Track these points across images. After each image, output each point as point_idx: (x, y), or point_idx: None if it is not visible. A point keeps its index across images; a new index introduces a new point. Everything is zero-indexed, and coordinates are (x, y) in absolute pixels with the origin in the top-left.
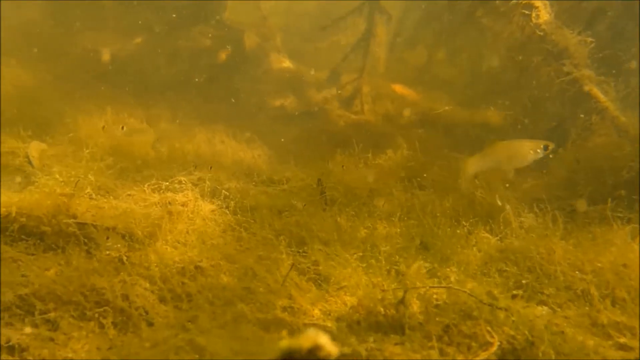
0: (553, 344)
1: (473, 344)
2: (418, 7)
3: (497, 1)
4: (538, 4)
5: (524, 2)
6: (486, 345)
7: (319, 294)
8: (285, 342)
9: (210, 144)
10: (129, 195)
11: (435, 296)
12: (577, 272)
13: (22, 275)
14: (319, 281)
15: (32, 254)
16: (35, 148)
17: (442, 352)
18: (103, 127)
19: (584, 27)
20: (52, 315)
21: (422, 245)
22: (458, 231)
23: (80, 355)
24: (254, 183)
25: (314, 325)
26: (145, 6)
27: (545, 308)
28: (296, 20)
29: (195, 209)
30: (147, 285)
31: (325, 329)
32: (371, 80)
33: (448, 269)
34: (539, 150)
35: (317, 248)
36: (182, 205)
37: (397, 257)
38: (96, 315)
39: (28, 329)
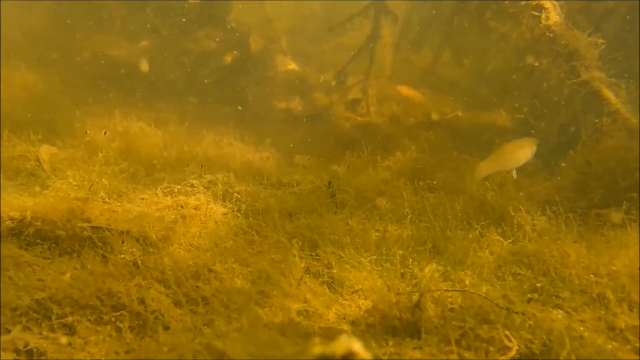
0: (571, 348)
1: (491, 348)
2: (423, 8)
3: (506, 2)
4: (548, 5)
5: (533, 3)
6: (504, 349)
7: (333, 297)
8: (319, 348)
9: (219, 146)
10: (142, 198)
11: (450, 300)
12: (591, 275)
13: (39, 280)
14: (332, 284)
15: (48, 258)
16: (45, 152)
17: (460, 357)
18: (105, 133)
19: (595, 29)
20: (69, 319)
21: (434, 248)
22: (470, 234)
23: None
24: (263, 186)
25: (330, 328)
26: (150, 9)
27: (561, 312)
28: (301, 22)
29: (208, 212)
30: (162, 288)
31: (340, 333)
32: (377, 82)
33: (462, 273)
34: (534, 148)
35: (329, 251)
36: (195, 209)
37: (410, 260)
38: (113, 319)
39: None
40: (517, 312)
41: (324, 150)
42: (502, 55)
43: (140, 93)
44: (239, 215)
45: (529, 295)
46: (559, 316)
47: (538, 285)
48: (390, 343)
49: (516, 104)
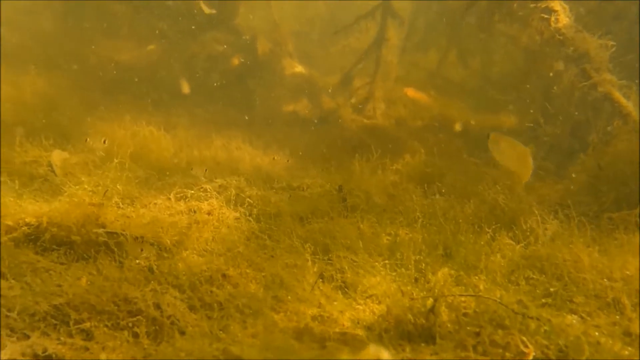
0: (588, 354)
1: (507, 354)
2: (429, 10)
3: (515, 5)
4: (557, 7)
5: (542, 5)
6: (520, 355)
7: (347, 302)
8: (348, 357)
9: (227, 150)
10: (155, 203)
11: (463, 304)
12: (605, 279)
13: (57, 285)
14: (346, 289)
15: (64, 264)
16: (57, 157)
17: None
18: (104, 141)
19: (605, 31)
20: (86, 325)
21: (445, 252)
22: (481, 238)
23: None
24: (274, 190)
25: (345, 334)
26: (158, 13)
27: (575, 317)
28: (307, 24)
29: (220, 216)
30: (177, 293)
31: (356, 338)
32: (383, 84)
33: (475, 277)
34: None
35: (342, 255)
36: (208, 214)
37: (423, 264)
38: (129, 324)
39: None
40: (532, 318)
41: (333, 153)
42: (511, 57)
43: (149, 97)
44: (251, 219)
45: (543, 300)
46: (574, 321)
47: (552, 289)
48: (407, 349)
49: (526, 107)
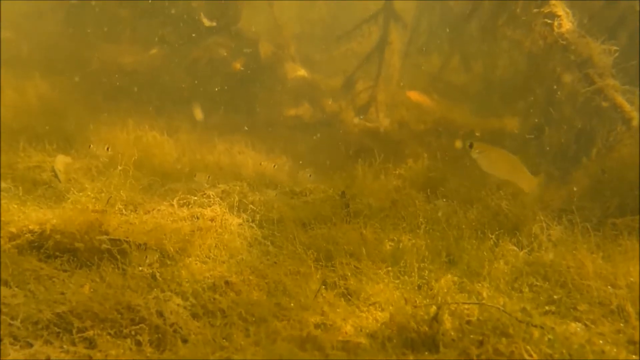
0: None
1: None
2: (432, 14)
3: (517, 10)
4: (560, 12)
5: (545, 10)
6: None
7: (350, 310)
8: None
9: (230, 154)
10: (158, 210)
11: (466, 312)
12: (609, 287)
13: (60, 293)
14: (349, 296)
15: (67, 271)
16: (61, 162)
17: None
18: (107, 149)
19: (608, 36)
20: (89, 333)
21: (448, 258)
22: (485, 244)
23: None
24: (276, 195)
25: (348, 342)
26: (160, 17)
27: (579, 325)
28: (309, 27)
29: (223, 223)
30: (180, 301)
31: (359, 347)
32: (386, 88)
33: (479, 284)
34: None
35: (345, 262)
36: (211, 220)
37: (426, 271)
38: (132, 332)
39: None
40: (536, 326)
41: (335, 158)
42: (514, 62)
43: (151, 101)
44: (254, 225)
45: (547, 308)
46: (578, 329)
47: (555, 297)
48: (411, 357)
49: (529, 112)
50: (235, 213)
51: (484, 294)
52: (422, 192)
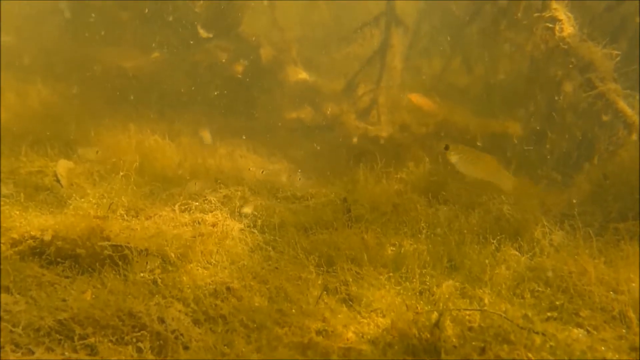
0: None
1: None
2: (433, 17)
3: (519, 14)
4: (562, 17)
5: (547, 15)
6: None
7: (351, 316)
8: None
9: (232, 158)
10: (160, 215)
11: (468, 318)
12: (611, 292)
13: (62, 300)
14: (350, 302)
15: (68, 277)
16: (63, 166)
17: None
18: (97, 152)
19: (610, 40)
20: (91, 340)
21: (450, 263)
22: (486, 249)
23: None
24: (278, 199)
25: (350, 349)
26: (161, 21)
27: (581, 331)
28: (310, 30)
29: (225, 228)
30: (181, 307)
31: (360, 353)
32: (387, 90)
33: (480, 290)
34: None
35: (346, 268)
36: (212, 226)
37: (427, 276)
38: (134, 339)
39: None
40: (537, 333)
41: (336, 161)
42: (516, 65)
43: (153, 105)
44: (255, 231)
45: (549, 314)
46: (580, 335)
47: (557, 303)
48: None
49: (531, 115)
50: (236, 218)
51: (486, 300)
52: (424, 196)
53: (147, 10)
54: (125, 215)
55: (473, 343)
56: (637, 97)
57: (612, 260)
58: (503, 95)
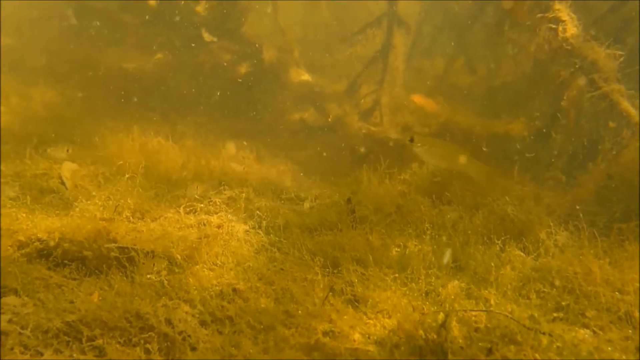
0: None
1: None
2: (435, 17)
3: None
4: (565, 17)
5: (550, 16)
6: None
7: (357, 317)
8: None
9: (235, 159)
10: (165, 217)
11: (474, 319)
12: (616, 292)
13: (70, 302)
14: (356, 303)
15: (75, 279)
16: (67, 169)
17: None
18: (67, 150)
19: (613, 40)
20: (99, 341)
21: (455, 264)
22: (491, 250)
23: None
24: (282, 201)
25: (357, 349)
26: (164, 22)
27: (587, 331)
28: (312, 31)
29: (230, 230)
30: (188, 308)
31: (367, 354)
32: (390, 91)
33: (486, 291)
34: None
35: (352, 269)
36: (218, 227)
37: (433, 277)
38: (141, 340)
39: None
40: (544, 333)
41: (340, 162)
42: (519, 65)
43: (156, 106)
44: (260, 232)
45: (554, 314)
46: (586, 336)
47: (563, 303)
48: None
49: (534, 116)
50: (242, 219)
51: (492, 301)
52: (428, 197)
53: (149, 12)
54: (131, 217)
55: (480, 344)
56: (639, 97)
57: (617, 261)
58: (506, 95)
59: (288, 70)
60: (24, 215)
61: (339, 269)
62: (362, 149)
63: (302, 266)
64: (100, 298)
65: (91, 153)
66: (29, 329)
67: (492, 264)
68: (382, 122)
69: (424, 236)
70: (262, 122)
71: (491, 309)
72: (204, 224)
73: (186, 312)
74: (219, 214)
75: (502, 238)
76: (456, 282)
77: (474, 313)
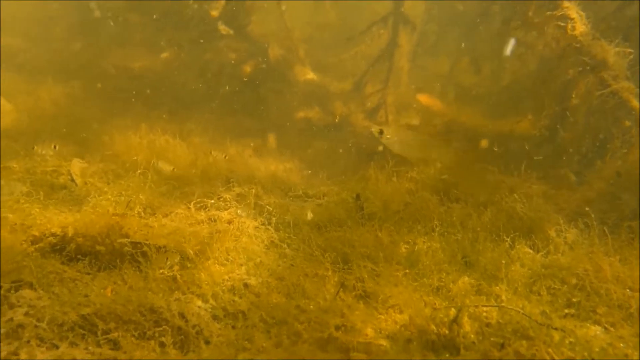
0: None
1: None
2: (441, 16)
3: (530, 13)
4: (573, 15)
5: (558, 14)
6: None
7: (369, 312)
8: None
9: (242, 157)
10: (177, 213)
11: (485, 314)
12: (627, 290)
13: (84, 296)
14: (367, 298)
15: (89, 273)
16: (76, 166)
17: None
18: (55, 147)
19: (622, 38)
20: (114, 334)
21: (464, 260)
22: (500, 247)
23: None
24: (290, 198)
25: (369, 344)
26: (170, 21)
27: (599, 328)
28: (318, 30)
29: (240, 226)
30: (200, 303)
31: (380, 348)
32: (395, 90)
33: (497, 287)
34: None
35: (362, 265)
36: (228, 223)
37: (443, 273)
38: (156, 334)
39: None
40: (556, 329)
41: (346, 160)
42: (526, 64)
43: (163, 104)
44: (270, 228)
45: (566, 311)
46: (598, 332)
47: (574, 300)
48: (433, 359)
49: (543, 114)
50: (251, 215)
51: (503, 297)
52: (435, 194)
53: (156, 11)
54: (142, 213)
55: (492, 339)
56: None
57: (627, 258)
58: (513, 94)
59: (294, 69)
60: (38, 210)
61: (349, 265)
62: (368, 148)
63: (313, 262)
64: (114, 292)
65: (99, 151)
66: (45, 322)
67: (502, 261)
68: (387, 121)
69: (432, 233)
70: (268, 120)
71: (503, 304)
72: (215, 220)
73: (199, 307)
74: (228, 210)
75: (511, 235)
76: (466, 278)
77: (485, 309)
